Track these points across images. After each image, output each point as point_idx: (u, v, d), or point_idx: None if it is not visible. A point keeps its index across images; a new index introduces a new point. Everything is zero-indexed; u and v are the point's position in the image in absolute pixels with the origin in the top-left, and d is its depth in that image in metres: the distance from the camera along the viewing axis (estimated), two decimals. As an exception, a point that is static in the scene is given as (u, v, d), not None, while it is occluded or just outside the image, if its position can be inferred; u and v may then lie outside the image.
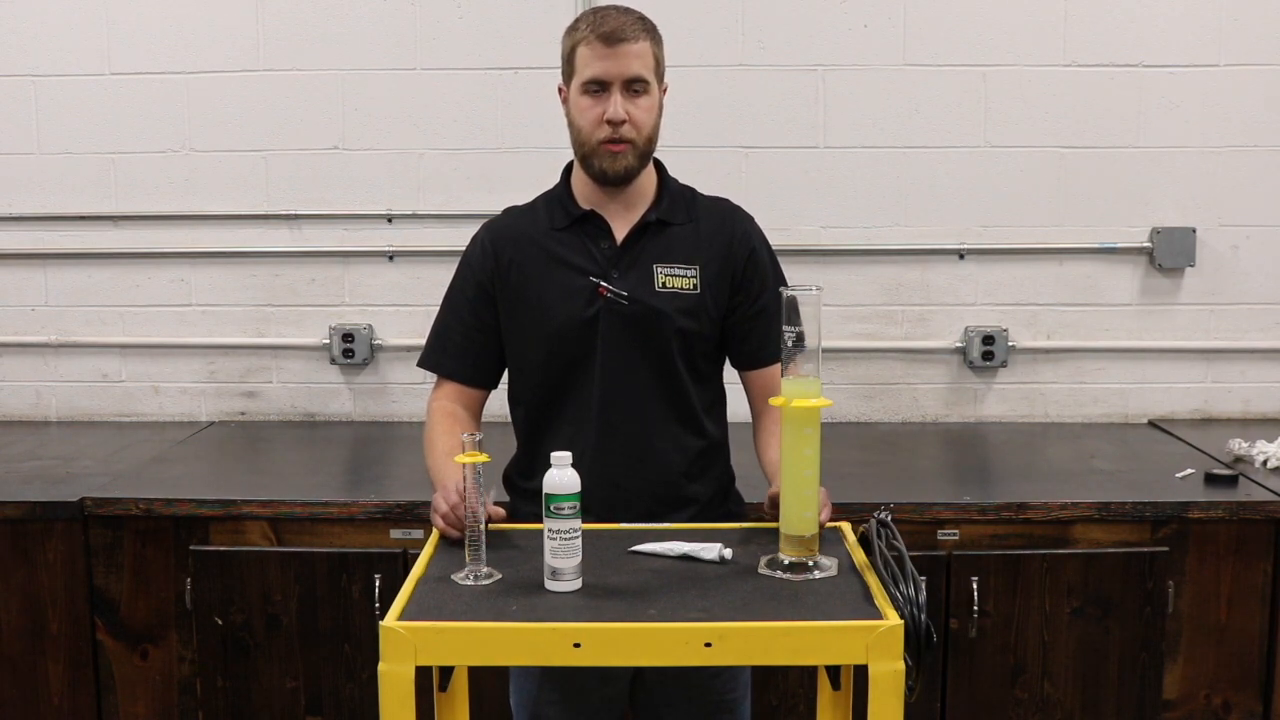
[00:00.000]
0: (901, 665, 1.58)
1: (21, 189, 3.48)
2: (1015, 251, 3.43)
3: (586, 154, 2.11)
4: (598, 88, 2.06)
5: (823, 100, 3.38)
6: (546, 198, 2.23)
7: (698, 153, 3.29)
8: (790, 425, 1.79)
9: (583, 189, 2.17)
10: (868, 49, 3.36)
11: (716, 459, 2.24)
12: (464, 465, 1.79)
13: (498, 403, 2.29)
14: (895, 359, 3.49)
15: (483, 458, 1.79)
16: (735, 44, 3.37)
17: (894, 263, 3.44)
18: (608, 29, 2.05)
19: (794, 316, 1.77)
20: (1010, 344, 3.45)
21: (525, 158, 3.39)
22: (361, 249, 3.46)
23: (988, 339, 3.43)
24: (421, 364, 2.28)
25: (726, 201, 2.26)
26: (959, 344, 3.46)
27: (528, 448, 2.21)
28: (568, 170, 2.23)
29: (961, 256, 3.43)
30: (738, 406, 2.27)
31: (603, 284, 2.12)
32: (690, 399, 2.17)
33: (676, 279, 2.13)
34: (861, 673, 1.60)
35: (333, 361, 3.51)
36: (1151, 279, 3.43)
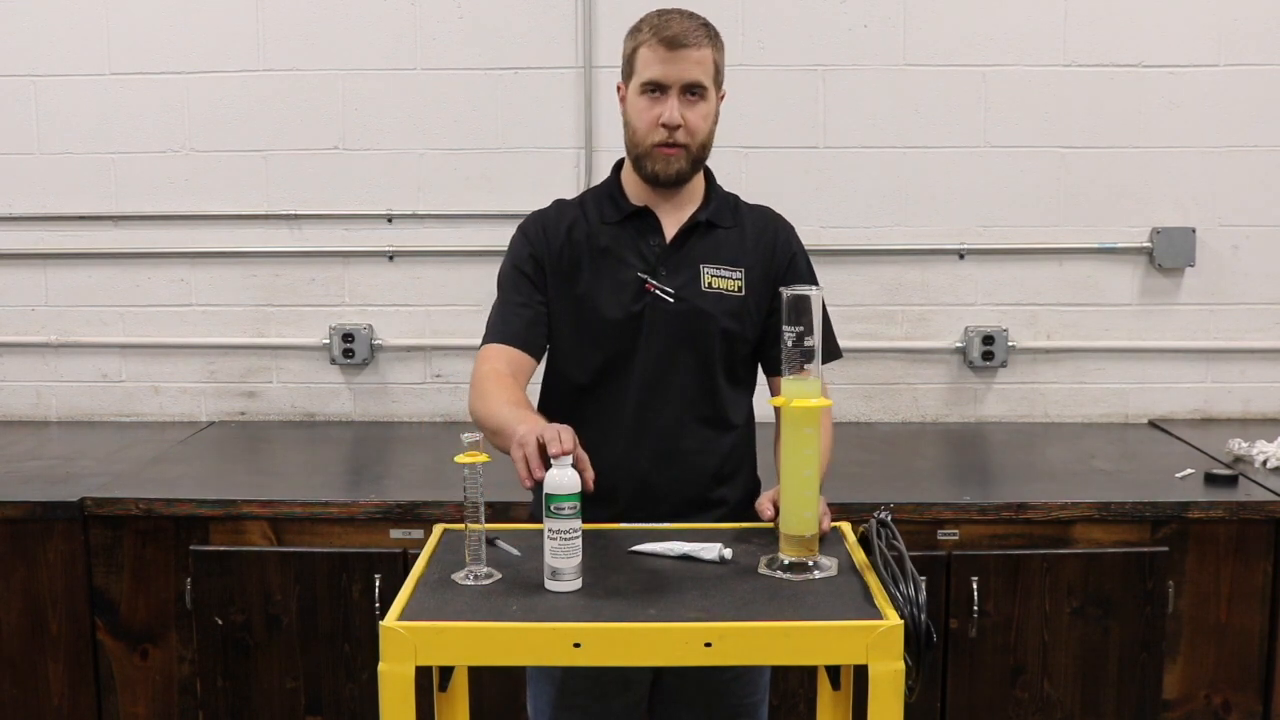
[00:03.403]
0: (901, 665, 1.58)
1: (21, 189, 3.48)
2: (1015, 251, 3.43)
3: (640, 155, 2.11)
4: (656, 90, 2.06)
5: (823, 100, 3.38)
6: (595, 193, 2.23)
7: (698, 153, 3.29)
8: (790, 425, 1.79)
9: (634, 186, 2.17)
10: (868, 49, 3.36)
11: (744, 463, 2.24)
12: (464, 465, 1.78)
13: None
14: (895, 359, 3.49)
15: (483, 458, 1.79)
16: (735, 44, 3.33)
17: (894, 263, 3.44)
18: (671, 33, 2.04)
19: (795, 316, 1.77)
20: (1010, 344, 3.44)
21: (525, 158, 3.39)
22: (361, 249, 3.46)
23: (988, 339, 3.43)
24: (483, 342, 2.17)
25: (769, 209, 2.28)
26: (959, 344, 3.46)
27: None
28: (618, 166, 2.23)
29: (961, 256, 3.43)
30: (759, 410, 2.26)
31: (650, 281, 2.12)
32: (724, 401, 2.17)
33: (723, 280, 2.14)
34: (861, 673, 1.60)
35: (333, 361, 3.51)
36: (1151, 279, 3.43)
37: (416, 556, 1.87)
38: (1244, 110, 3.36)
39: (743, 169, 3.38)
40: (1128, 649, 2.67)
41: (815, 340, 1.78)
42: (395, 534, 2.71)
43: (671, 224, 2.16)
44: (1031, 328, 3.46)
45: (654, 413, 2.12)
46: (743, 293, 2.15)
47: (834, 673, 1.99)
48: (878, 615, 1.61)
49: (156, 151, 3.45)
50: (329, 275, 3.49)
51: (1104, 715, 2.69)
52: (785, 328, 1.78)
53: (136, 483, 2.89)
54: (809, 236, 3.41)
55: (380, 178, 3.44)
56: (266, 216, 3.47)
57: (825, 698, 2.04)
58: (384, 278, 3.48)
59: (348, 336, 3.47)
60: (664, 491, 2.13)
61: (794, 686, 2.71)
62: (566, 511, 1.72)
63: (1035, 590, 2.66)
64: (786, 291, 1.79)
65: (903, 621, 1.58)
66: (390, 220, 3.45)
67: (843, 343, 3.40)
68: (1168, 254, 3.38)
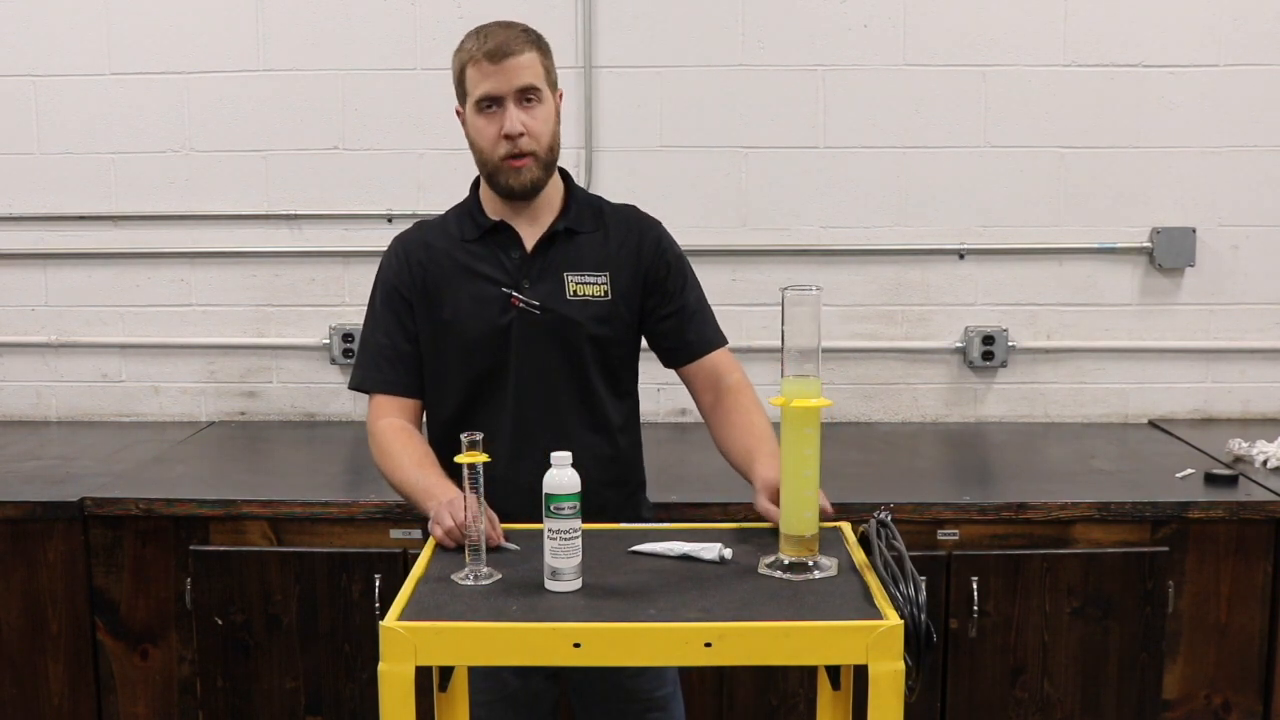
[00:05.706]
0: (901, 665, 1.58)
1: (21, 189, 3.48)
2: (1015, 251, 3.43)
3: (491, 172, 2.13)
4: (491, 105, 2.08)
5: (823, 100, 3.38)
6: (457, 210, 2.25)
7: (698, 153, 3.29)
8: (790, 425, 1.79)
9: (491, 202, 2.19)
10: (868, 49, 3.36)
11: (632, 465, 2.27)
12: (465, 465, 1.79)
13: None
14: (895, 359, 3.49)
15: (483, 458, 1.79)
16: (735, 44, 3.37)
17: (894, 263, 3.44)
18: (492, 46, 2.06)
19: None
20: (1010, 344, 3.45)
21: (525, 158, 3.38)
22: (361, 249, 3.46)
23: (988, 339, 3.43)
24: (357, 387, 2.26)
25: (634, 209, 2.28)
26: (959, 344, 3.46)
27: (440, 457, 2.17)
28: (476, 184, 2.25)
29: (961, 256, 3.43)
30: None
31: (515, 294, 2.14)
32: (605, 406, 2.19)
33: (587, 286, 2.16)
34: (861, 673, 1.60)
35: (333, 361, 3.51)
36: (1151, 279, 3.43)
37: (416, 556, 1.87)
38: (1244, 110, 3.36)
39: (743, 169, 3.38)
40: (1128, 649, 2.67)
41: (815, 340, 1.78)
42: (395, 534, 2.71)
43: (531, 235, 2.17)
44: (1031, 328, 3.46)
45: (533, 425, 2.14)
46: (609, 297, 2.16)
47: (834, 673, 1.99)
48: (878, 615, 1.61)
49: (156, 151, 3.45)
50: (329, 275, 3.49)
51: (1104, 715, 2.69)
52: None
53: (136, 483, 2.89)
54: (809, 236, 3.47)
55: (380, 178, 3.44)
56: (266, 216, 3.47)
57: (825, 698, 2.04)
58: (384, 278, 3.47)
59: (348, 336, 3.47)
60: None
61: (794, 686, 2.71)
62: (566, 511, 1.73)
63: (1035, 590, 2.66)
64: (786, 291, 1.79)
65: (903, 621, 1.58)
66: (390, 220, 3.45)
67: (843, 343, 3.49)
68: (1168, 254, 3.38)
